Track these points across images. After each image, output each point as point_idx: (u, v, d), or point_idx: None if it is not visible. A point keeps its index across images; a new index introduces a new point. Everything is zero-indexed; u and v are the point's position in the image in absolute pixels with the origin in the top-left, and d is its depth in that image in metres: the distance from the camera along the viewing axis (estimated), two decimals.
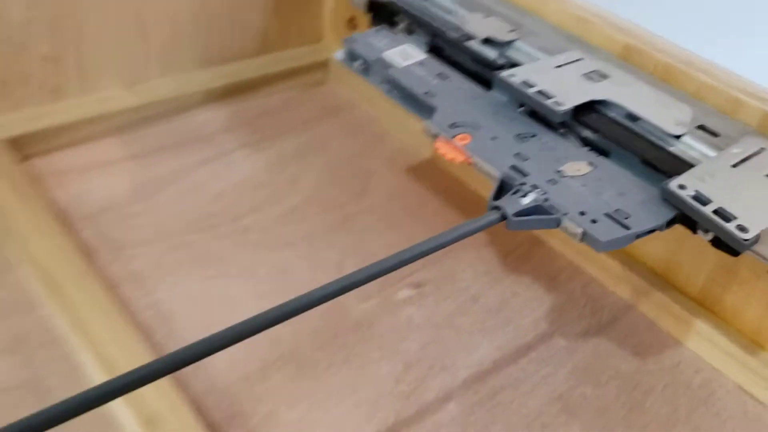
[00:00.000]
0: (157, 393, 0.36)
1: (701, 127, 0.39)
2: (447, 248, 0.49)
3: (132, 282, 0.45)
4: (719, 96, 0.40)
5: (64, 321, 0.40)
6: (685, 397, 0.43)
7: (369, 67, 0.44)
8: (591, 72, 0.42)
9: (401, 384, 0.41)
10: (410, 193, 0.55)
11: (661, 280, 0.47)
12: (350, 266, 0.48)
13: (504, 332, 0.45)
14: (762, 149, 0.37)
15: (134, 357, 0.39)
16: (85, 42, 0.54)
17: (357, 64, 0.45)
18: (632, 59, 0.44)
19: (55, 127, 0.53)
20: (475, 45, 0.44)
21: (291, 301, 0.31)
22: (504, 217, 0.34)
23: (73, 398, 0.25)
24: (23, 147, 0.52)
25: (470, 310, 0.46)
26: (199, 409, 0.38)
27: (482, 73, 0.44)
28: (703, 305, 0.45)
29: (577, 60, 0.43)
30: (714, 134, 0.38)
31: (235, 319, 0.44)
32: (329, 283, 0.31)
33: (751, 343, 0.43)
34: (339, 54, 0.46)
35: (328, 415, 0.39)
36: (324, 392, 0.40)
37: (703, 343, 0.45)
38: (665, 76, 0.42)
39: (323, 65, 0.66)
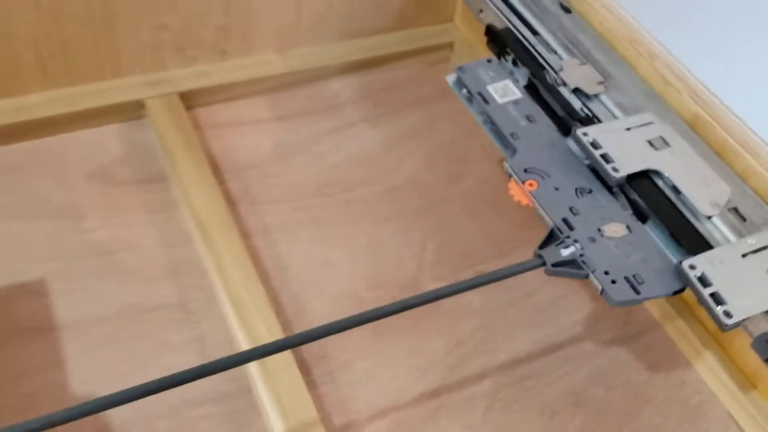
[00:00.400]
0: (269, 334, 0.49)
1: (733, 210, 0.46)
2: (516, 246, 0.60)
3: (262, 234, 0.58)
4: (760, 180, 0.47)
5: (209, 258, 0.54)
6: (679, 412, 0.52)
7: (472, 97, 0.53)
8: (656, 138, 0.49)
9: (450, 357, 0.53)
10: (497, 184, 0.64)
11: (688, 309, 0.55)
12: (430, 248, 0.59)
13: (544, 329, 0.56)
14: None
15: (256, 298, 0.52)
16: (251, 14, 0.65)
17: (463, 92, 0.54)
18: (698, 129, 0.50)
19: (218, 85, 0.65)
20: (565, 93, 0.52)
21: (384, 307, 0.42)
22: (544, 264, 0.44)
23: (223, 359, 0.38)
24: (189, 99, 0.64)
25: (522, 305, 0.57)
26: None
27: (566, 119, 0.52)
28: (716, 340, 0.54)
29: (647, 124, 0.50)
30: (742, 218, 0.46)
31: (331, 280, 0.56)
32: (400, 300, 0.42)
33: (746, 381, 0.52)
34: (450, 78, 0.55)
35: (389, 370, 0.51)
36: (390, 352, 0.52)
37: (708, 371, 0.53)
38: (720, 152, 0.49)
39: (450, 45, 0.74)
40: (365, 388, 0.50)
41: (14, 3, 0.55)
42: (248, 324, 0.50)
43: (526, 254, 0.58)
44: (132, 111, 0.63)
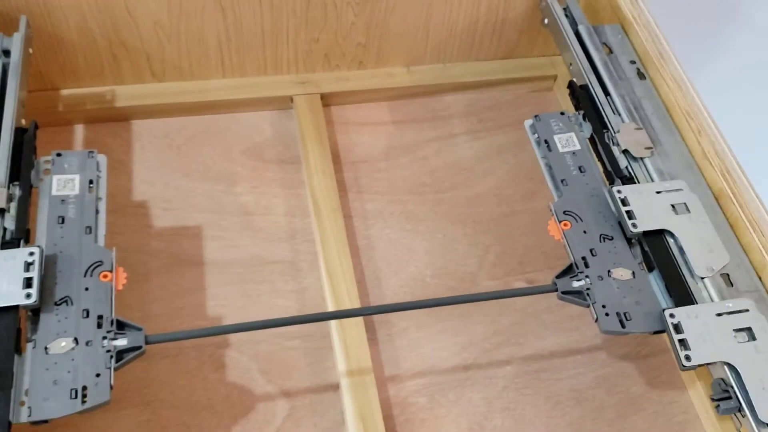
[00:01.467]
0: (349, 298, 0.66)
1: (725, 276, 0.56)
2: (564, 263, 0.71)
3: (360, 218, 0.74)
4: (758, 254, 0.57)
5: (317, 231, 0.70)
6: (663, 424, 0.64)
7: (540, 142, 0.66)
8: (679, 204, 0.60)
9: (486, 342, 0.67)
10: None
11: None
12: (493, 251, 0.72)
13: (569, 335, 0.68)
14: (746, 310, 0.54)
15: (345, 268, 0.67)
16: (386, 36, 0.79)
17: (535, 136, 0.66)
18: (720, 201, 0.60)
19: (352, 90, 0.81)
20: (616, 152, 0.63)
21: (450, 297, 0.58)
22: (556, 290, 0.57)
23: (311, 315, 0.55)
24: (328, 99, 0.81)
25: (556, 312, 0.69)
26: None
27: (611, 174, 0.63)
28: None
29: (676, 190, 0.60)
30: (730, 284, 0.56)
31: (407, 264, 0.71)
32: (450, 296, 0.57)
33: None
34: (527, 123, 0.67)
35: (435, 343, 0.66)
36: (439, 328, 0.67)
37: (697, 397, 0.64)
38: (734, 225, 0.59)
39: (554, 77, 0.85)
40: (414, 352, 0.66)
41: (207, 16, 0.73)
42: (336, 286, 0.66)
43: None
44: (283, 103, 0.80)
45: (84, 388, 0.48)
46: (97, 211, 0.57)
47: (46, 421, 0.47)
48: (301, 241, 0.72)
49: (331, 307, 0.65)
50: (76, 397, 0.48)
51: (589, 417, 0.64)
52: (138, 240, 0.69)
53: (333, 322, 0.64)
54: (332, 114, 0.81)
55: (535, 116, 0.67)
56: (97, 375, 0.49)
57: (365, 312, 0.64)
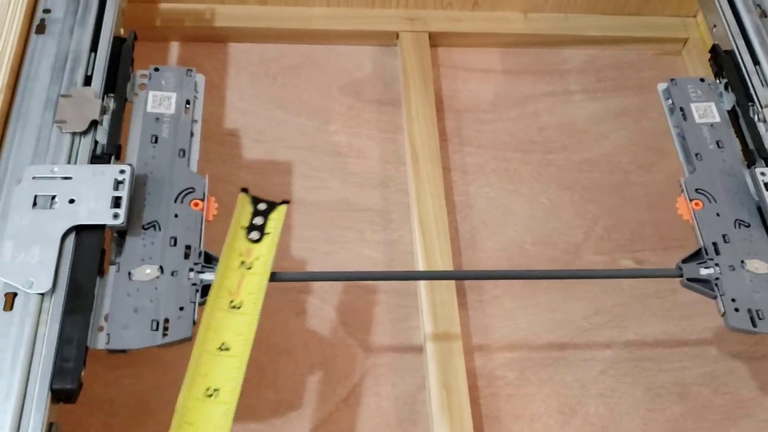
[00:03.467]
0: (441, 256, 0.61)
1: None
2: (680, 246, 0.65)
3: (460, 172, 0.68)
4: None
5: (412, 181, 0.65)
6: None
7: (674, 109, 0.59)
8: None
9: (585, 321, 0.62)
10: None
11: None
12: (601, 224, 0.66)
13: (676, 324, 0.62)
14: None
15: (440, 223, 0.62)
16: None
17: (668, 102, 0.59)
18: None
19: (463, 32, 0.75)
20: (762, 129, 0.56)
21: (553, 271, 0.54)
22: (681, 276, 0.51)
23: (401, 272, 0.52)
24: (436, 39, 0.75)
25: (664, 297, 0.63)
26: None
27: (753, 153, 0.56)
28: None
29: None
30: None
31: (506, 227, 0.66)
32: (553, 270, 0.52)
33: None
34: (661, 86, 0.60)
35: (530, 316, 0.61)
36: (535, 301, 0.62)
37: None
38: None
39: (684, 41, 0.77)
40: (505, 323, 0.61)
41: None
42: (428, 243, 0.61)
43: (678, 254, 0.63)
44: (388, 39, 0.75)
45: (166, 320, 0.45)
46: (191, 134, 0.53)
47: (124, 351, 0.44)
48: (395, 190, 0.67)
49: (421, 265, 0.61)
50: (157, 329, 0.45)
51: (691, 415, 0.58)
52: (226, 170, 0.66)
53: (422, 282, 0.60)
54: (439, 56, 0.75)
55: (671, 80, 0.60)
56: (181, 308, 0.45)
57: (459, 276, 0.59)
